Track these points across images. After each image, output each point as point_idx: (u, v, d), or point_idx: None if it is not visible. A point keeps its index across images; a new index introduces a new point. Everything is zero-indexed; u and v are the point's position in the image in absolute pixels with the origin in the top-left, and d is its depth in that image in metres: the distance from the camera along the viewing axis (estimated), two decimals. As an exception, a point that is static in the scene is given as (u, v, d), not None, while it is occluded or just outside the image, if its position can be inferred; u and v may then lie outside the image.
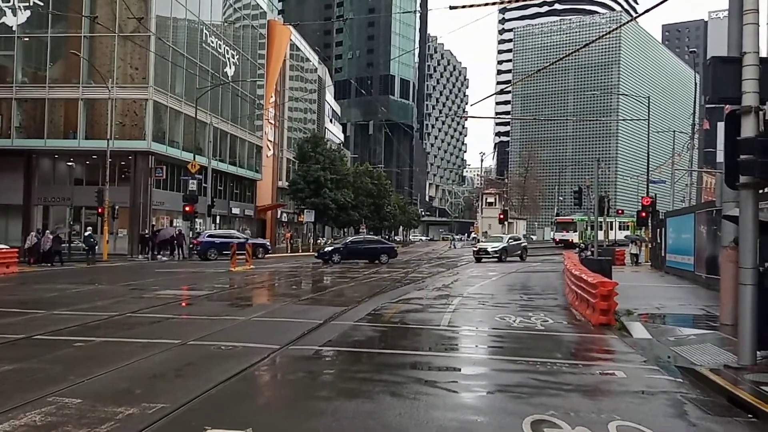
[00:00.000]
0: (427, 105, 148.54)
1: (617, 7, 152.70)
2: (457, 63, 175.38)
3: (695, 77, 69.43)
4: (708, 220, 17.44)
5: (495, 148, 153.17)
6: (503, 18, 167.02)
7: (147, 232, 33.53)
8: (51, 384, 6.43)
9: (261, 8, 51.63)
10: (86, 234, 29.07)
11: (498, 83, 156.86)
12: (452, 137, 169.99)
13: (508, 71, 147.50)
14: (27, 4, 35.07)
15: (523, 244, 37.37)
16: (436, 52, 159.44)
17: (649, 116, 39.08)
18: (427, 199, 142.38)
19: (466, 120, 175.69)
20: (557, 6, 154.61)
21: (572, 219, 59.22)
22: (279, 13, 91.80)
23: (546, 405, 5.91)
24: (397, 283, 19.78)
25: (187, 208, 32.71)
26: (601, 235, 34.41)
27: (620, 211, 67.09)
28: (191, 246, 34.47)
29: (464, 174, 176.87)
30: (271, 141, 55.32)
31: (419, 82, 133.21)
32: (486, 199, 76.10)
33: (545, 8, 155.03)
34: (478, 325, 11.26)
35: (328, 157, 50.28)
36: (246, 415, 5.61)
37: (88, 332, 9.91)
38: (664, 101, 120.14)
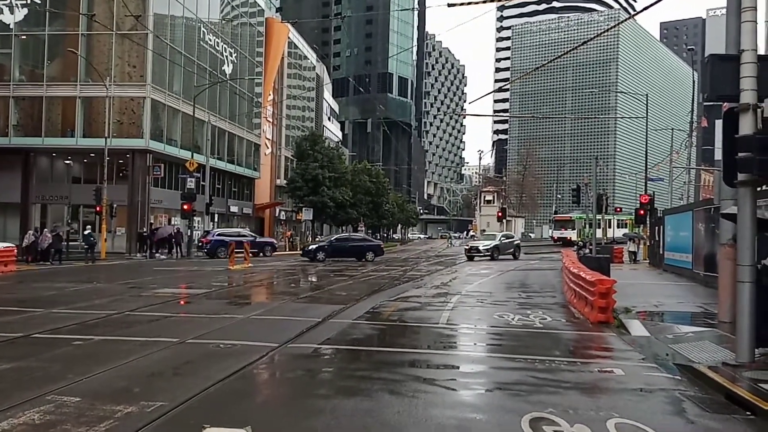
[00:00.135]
0: (425, 103, 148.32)
1: (615, 5, 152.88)
2: (456, 61, 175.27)
3: (693, 75, 69.68)
4: (706, 217, 17.45)
5: (493, 146, 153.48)
6: (501, 16, 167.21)
7: (145, 230, 33.53)
8: (50, 382, 6.43)
9: (259, 6, 51.49)
10: (86, 232, 29.02)
11: (496, 81, 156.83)
12: (451, 135, 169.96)
13: (507, 69, 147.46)
14: (24, 1, 34.94)
15: (516, 242, 37.05)
16: (434, 49, 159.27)
17: (647, 114, 39.16)
18: (425, 197, 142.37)
19: (464, 118, 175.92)
20: (555, 4, 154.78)
21: (570, 217, 59.26)
22: (277, 11, 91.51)
23: (545, 402, 5.92)
24: (396, 281, 19.80)
25: (185, 207, 32.72)
26: (599, 232, 34.47)
27: (618, 209, 67.18)
28: (200, 244, 34.55)
29: (463, 172, 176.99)
30: (269, 139, 55.22)
31: (417, 80, 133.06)
32: (484, 197, 76.25)
33: (543, 6, 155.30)
34: (476, 323, 11.27)
35: (327, 155, 50.19)
36: (244, 413, 5.62)
37: (86, 331, 9.91)
38: (662, 99, 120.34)
